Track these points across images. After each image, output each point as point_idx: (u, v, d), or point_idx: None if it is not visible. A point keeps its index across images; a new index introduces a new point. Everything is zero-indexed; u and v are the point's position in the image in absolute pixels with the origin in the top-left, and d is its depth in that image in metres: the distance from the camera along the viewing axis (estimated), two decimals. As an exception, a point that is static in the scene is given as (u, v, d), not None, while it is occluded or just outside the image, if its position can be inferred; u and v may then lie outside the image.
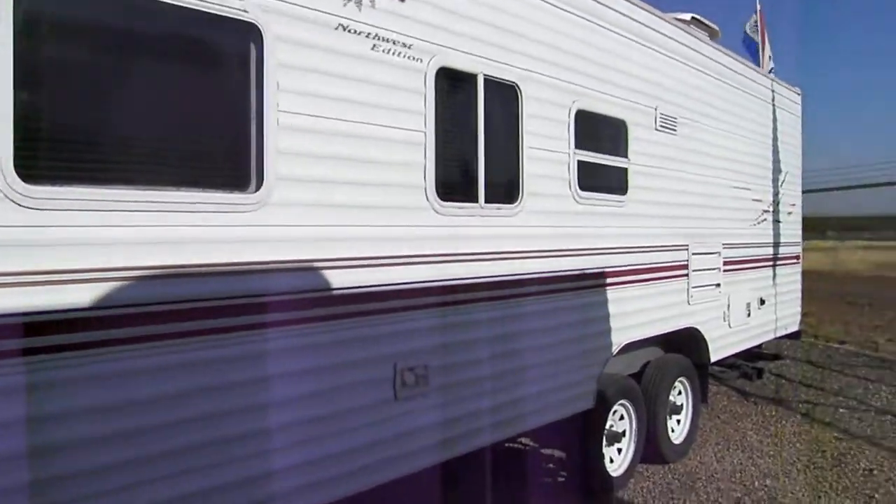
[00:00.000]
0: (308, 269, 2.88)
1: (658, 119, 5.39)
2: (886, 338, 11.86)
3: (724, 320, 6.45)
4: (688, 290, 5.84)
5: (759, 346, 7.66)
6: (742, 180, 6.74)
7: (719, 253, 6.33)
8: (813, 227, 13.90)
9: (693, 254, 5.89)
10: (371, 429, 3.16)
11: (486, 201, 3.77)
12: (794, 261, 8.12)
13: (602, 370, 4.72)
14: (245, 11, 2.64)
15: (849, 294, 17.52)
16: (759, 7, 9.71)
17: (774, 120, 7.49)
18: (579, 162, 4.49)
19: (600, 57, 4.72)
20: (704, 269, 6.08)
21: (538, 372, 4.15)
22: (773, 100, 7.46)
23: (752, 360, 7.72)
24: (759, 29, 9.83)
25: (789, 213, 7.89)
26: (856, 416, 6.97)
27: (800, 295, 8.26)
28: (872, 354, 9.83)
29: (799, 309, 8.24)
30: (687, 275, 5.83)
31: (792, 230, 8.01)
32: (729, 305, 6.50)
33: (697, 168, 5.93)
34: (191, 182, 2.52)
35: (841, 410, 7.11)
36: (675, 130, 5.62)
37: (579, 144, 4.49)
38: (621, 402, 5.00)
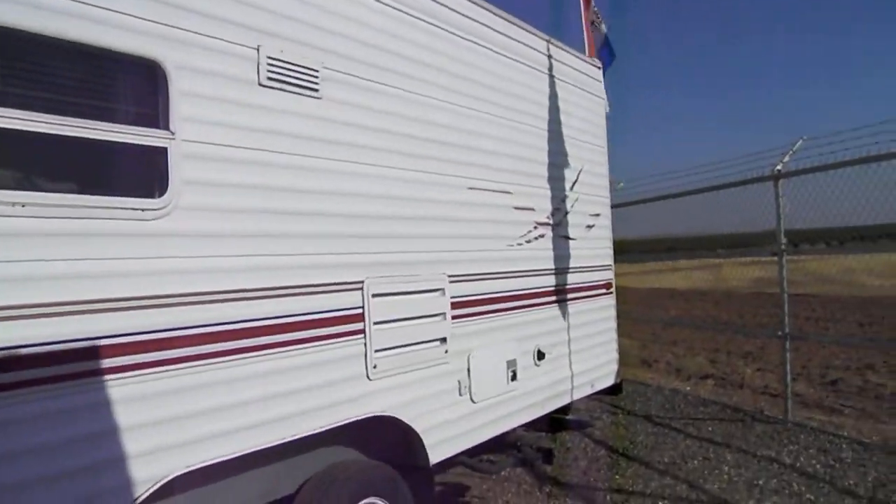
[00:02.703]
0: None
1: (265, 67, 3.05)
2: (756, 367, 9.95)
3: (460, 394, 4.14)
4: (366, 356, 3.50)
5: (566, 409, 5.48)
6: (490, 178, 4.48)
7: (442, 290, 4.04)
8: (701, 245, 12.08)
9: (375, 295, 3.55)
10: None
11: None
12: (604, 291, 5.93)
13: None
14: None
15: (725, 315, 15.77)
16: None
17: (554, 97, 5.30)
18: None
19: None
20: (405, 320, 3.77)
21: None
22: (551, 69, 5.28)
23: (557, 428, 5.53)
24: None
25: (589, 227, 5.70)
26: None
27: (614, 336, 6.05)
28: (727, 402, 7.73)
29: (615, 355, 6.05)
30: (363, 331, 3.49)
31: (596, 249, 5.83)
32: (469, 370, 4.20)
33: (377, 155, 3.64)
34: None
35: (660, 504, 4.91)
36: (315, 91, 3.31)
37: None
38: None
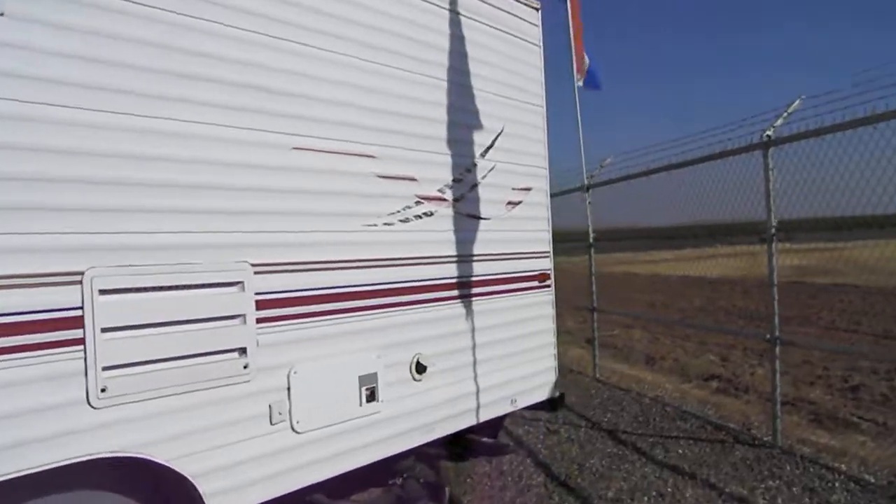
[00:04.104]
0: None
1: None
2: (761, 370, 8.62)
3: (272, 423, 3.10)
4: (87, 375, 2.49)
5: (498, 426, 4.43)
6: (334, 137, 3.39)
7: (241, 285, 2.97)
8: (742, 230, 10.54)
9: (104, 291, 2.53)
10: None
11: None
12: (535, 284, 4.77)
13: None
14: None
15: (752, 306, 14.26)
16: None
17: (458, 39, 4.16)
18: None
19: None
20: (166, 325, 2.74)
21: None
22: (453, 4, 4.13)
23: (463, 454, 4.48)
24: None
25: (512, 204, 4.54)
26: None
27: (551, 340, 4.90)
28: (712, 416, 6.49)
29: (551, 363, 4.90)
30: (81, 341, 2.47)
31: (522, 232, 4.66)
32: (289, 390, 3.14)
33: (111, 98, 2.58)
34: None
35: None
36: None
37: None
38: None
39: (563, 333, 11.55)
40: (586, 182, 8.22)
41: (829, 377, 8.24)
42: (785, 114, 5.27)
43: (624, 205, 7.75)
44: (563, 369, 8.97)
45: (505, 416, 4.89)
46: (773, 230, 5.24)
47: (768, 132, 5.19)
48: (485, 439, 4.65)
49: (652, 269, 21.44)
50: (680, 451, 5.56)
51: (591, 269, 8.23)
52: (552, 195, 4.96)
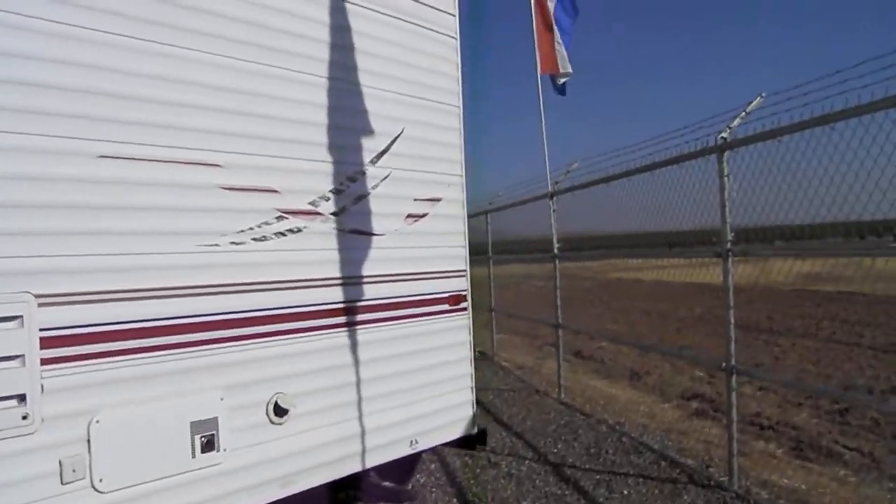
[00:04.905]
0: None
1: None
2: (759, 385, 7.98)
3: (64, 482, 2.59)
4: None
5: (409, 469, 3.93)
6: (159, 143, 2.90)
7: (18, 320, 2.48)
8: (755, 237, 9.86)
9: None
10: None
11: None
12: (446, 308, 4.23)
13: None
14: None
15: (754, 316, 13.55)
16: None
17: (341, 30, 3.63)
18: None
19: None
20: None
21: None
22: (336, -12, 3.61)
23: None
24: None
25: (414, 217, 4.01)
26: None
27: (467, 371, 4.36)
28: (669, 449, 5.89)
29: (466, 397, 4.39)
30: None
31: (429, 248, 4.13)
32: (89, 441, 2.63)
33: None
34: None
35: None
36: None
37: None
38: None
39: (547, 346, 11.01)
40: (550, 189, 7.65)
41: (818, 397, 7.59)
42: (743, 113, 4.68)
43: (586, 212, 7.16)
44: (529, 390, 8.41)
45: (417, 455, 4.37)
46: (729, 244, 4.63)
47: (723, 134, 4.60)
48: (385, 483, 4.12)
49: (658, 275, 20.74)
50: (625, 490, 4.98)
51: (556, 282, 7.64)
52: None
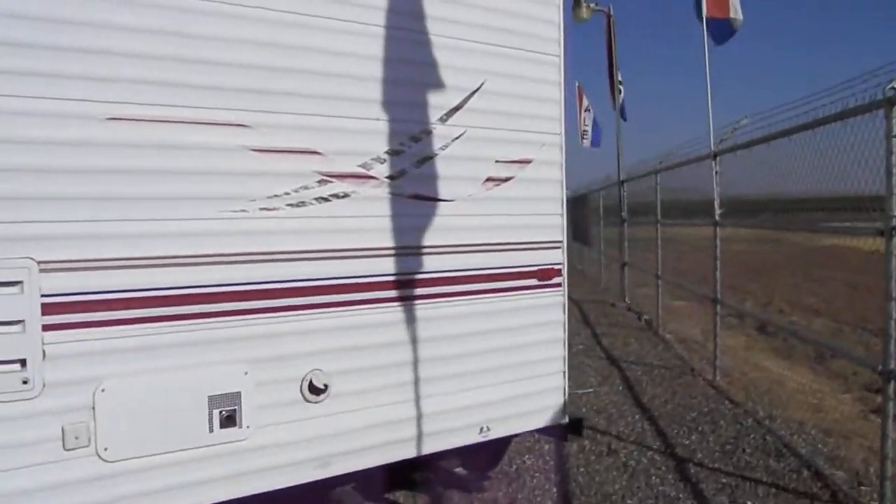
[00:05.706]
0: None
1: None
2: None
3: (67, 447, 2.60)
4: None
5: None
6: (176, 103, 2.74)
7: (19, 285, 2.49)
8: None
9: None
10: None
11: None
12: (533, 284, 3.78)
13: None
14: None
15: None
16: None
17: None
18: None
19: None
20: None
21: None
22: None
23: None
24: None
25: (496, 182, 3.57)
26: None
27: (559, 354, 3.90)
28: (818, 456, 4.98)
29: (556, 383, 3.92)
30: None
31: (514, 216, 3.68)
32: (94, 409, 2.62)
33: None
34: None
35: None
36: None
37: None
38: None
39: (728, 317, 9.92)
40: (714, 149, 6.68)
41: None
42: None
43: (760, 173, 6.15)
44: (684, 368, 7.60)
45: (504, 442, 4.03)
46: (895, 220, 3.68)
47: (893, 84, 3.59)
48: (457, 469, 3.81)
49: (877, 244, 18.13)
50: (749, 502, 4.26)
51: (717, 252, 6.72)
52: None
